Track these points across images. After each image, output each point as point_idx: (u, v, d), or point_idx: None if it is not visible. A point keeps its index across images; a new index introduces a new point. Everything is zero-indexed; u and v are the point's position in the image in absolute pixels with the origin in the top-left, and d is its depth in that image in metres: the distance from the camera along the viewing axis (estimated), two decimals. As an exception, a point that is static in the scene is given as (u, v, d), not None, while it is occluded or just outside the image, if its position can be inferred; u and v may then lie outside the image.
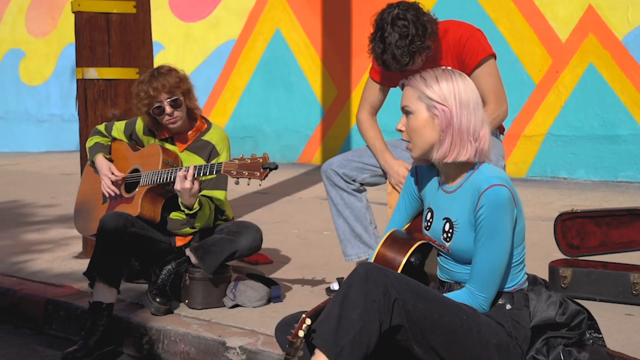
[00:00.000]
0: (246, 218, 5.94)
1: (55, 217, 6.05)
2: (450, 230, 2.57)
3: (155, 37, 10.76)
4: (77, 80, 4.62)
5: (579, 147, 7.52)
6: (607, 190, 6.87)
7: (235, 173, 3.20)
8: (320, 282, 3.97)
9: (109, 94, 4.55)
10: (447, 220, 2.58)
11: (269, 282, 3.75)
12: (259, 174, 3.16)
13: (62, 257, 4.66)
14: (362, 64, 8.62)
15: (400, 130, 2.59)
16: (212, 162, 3.58)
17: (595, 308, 3.40)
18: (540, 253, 4.26)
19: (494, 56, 3.59)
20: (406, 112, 2.56)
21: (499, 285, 2.54)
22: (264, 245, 4.86)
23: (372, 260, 2.70)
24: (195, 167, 3.35)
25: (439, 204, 2.64)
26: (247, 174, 3.18)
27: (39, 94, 12.35)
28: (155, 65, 3.96)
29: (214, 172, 3.29)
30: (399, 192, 3.49)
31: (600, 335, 2.78)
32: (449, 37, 3.51)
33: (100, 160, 3.72)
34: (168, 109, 3.57)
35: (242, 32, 9.94)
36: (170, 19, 10.70)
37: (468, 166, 2.56)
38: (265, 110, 9.71)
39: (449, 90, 2.52)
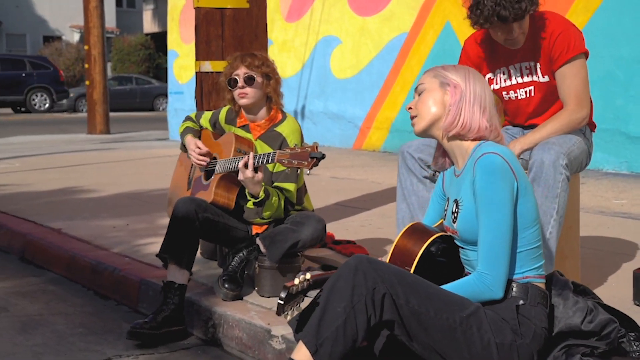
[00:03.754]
0: (376, 210, 5.94)
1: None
2: (456, 210, 2.52)
3: (333, 31, 11.15)
4: (196, 73, 4.86)
5: None
6: None
7: (286, 162, 3.24)
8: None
9: (220, 85, 4.73)
10: (455, 201, 2.54)
11: (343, 274, 3.75)
12: (306, 163, 3.18)
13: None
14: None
15: (410, 109, 2.58)
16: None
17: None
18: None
19: (585, 55, 3.36)
20: (419, 91, 2.58)
21: (507, 264, 2.40)
22: (372, 237, 4.91)
23: (391, 251, 2.64)
24: (254, 155, 3.43)
25: (451, 190, 2.62)
26: (296, 163, 3.21)
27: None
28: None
29: (270, 161, 3.35)
30: None
31: (644, 346, 2.54)
32: (542, 27, 3.33)
33: (189, 138, 3.91)
34: (241, 82, 3.71)
35: (414, 26, 9.90)
36: (347, 14, 10.88)
37: (473, 144, 2.52)
38: (433, 104, 9.59)
39: (464, 76, 2.55)
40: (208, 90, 4.77)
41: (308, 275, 2.29)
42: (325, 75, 11.25)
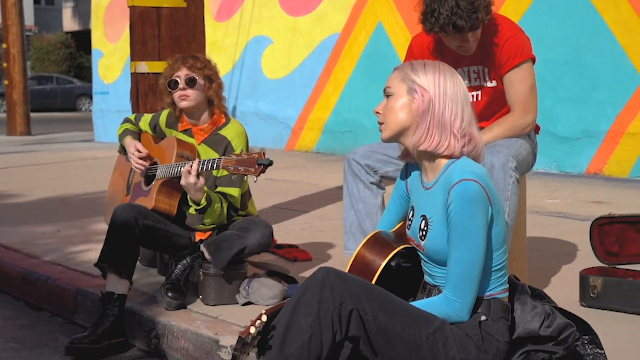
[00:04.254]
0: (315, 212, 5.88)
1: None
2: (425, 228, 2.42)
3: (264, 31, 11.05)
4: (131, 73, 4.71)
5: None
6: None
7: (232, 169, 3.15)
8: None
9: (159, 88, 4.59)
10: (423, 217, 2.44)
11: (290, 281, 3.67)
12: (253, 170, 3.09)
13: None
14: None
15: (377, 113, 2.46)
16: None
17: (624, 321, 3.14)
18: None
19: (532, 60, 3.36)
20: (387, 94, 2.44)
21: (476, 290, 2.34)
22: (314, 241, 4.84)
23: (351, 261, 2.57)
24: (199, 161, 3.32)
25: (419, 201, 2.50)
26: (242, 169, 3.12)
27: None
28: None
29: (215, 167, 3.25)
30: None
31: (602, 351, 2.54)
32: (492, 32, 3.32)
33: (128, 141, 3.77)
34: (182, 84, 3.59)
35: (346, 26, 9.89)
36: (278, 14, 10.80)
37: (445, 160, 2.41)
38: (366, 105, 9.61)
39: (433, 79, 2.40)
40: (144, 92, 4.63)
41: (264, 318, 2.19)
42: (257, 75, 11.14)
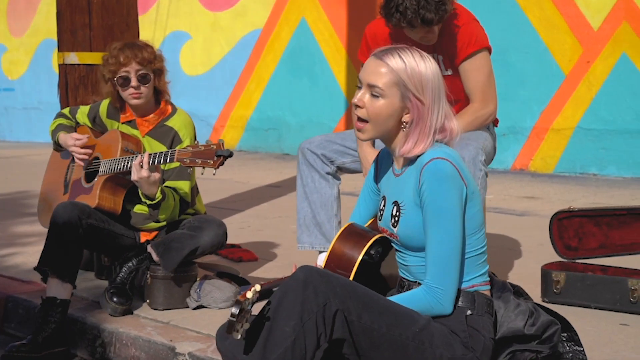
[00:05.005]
0: (250, 211, 5.71)
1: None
2: (397, 214, 2.31)
3: (182, 26, 10.74)
4: (59, 65, 4.43)
5: (610, 141, 7.11)
6: (637, 188, 6.48)
7: (188, 161, 2.97)
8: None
9: (90, 80, 4.36)
10: (395, 203, 2.33)
11: (241, 282, 3.50)
12: (212, 162, 2.93)
13: (43, 251, 4.47)
14: (386, 54, 8.31)
15: (358, 106, 2.29)
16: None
17: (589, 317, 3.10)
18: (547, 255, 3.93)
19: (488, 50, 3.29)
20: (375, 93, 2.27)
21: (457, 275, 2.24)
22: (255, 240, 4.68)
23: (326, 256, 2.43)
24: (150, 154, 3.12)
25: (390, 189, 2.40)
26: (200, 162, 2.95)
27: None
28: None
29: (168, 160, 3.05)
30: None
31: (582, 349, 2.47)
32: (449, 20, 3.23)
33: (62, 135, 3.52)
34: (134, 82, 3.36)
35: (268, 21, 9.72)
36: (197, 8, 10.53)
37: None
38: (289, 102, 9.48)
39: (427, 80, 2.26)
40: (74, 85, 4.37)
41: (258, 287, 2.04)
42: (175, 71, 10.81)
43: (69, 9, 4.36)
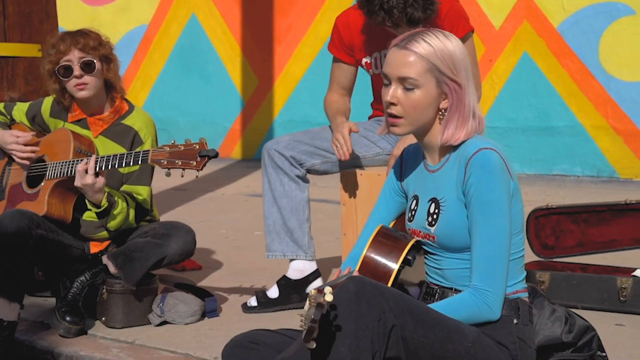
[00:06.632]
0: (165, 218, 5.35)
1: None
2: (436, 211, 2.12)
3: (58, 22, 10.11)
4: (-32, 58, 3.96)
5: (513, 139, 7.22)
6: (543, 184, 6.60)
7: (166, 163, 2.66)
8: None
9: (5, 74, 3.94)
10: (433, 200, 2.14)
11: (202, 294, 3.21)
12: (195, 163, 2.64)
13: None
14: (284, 52, 8.13)
15: (392, 103, 2.10)
16: (137, 150, 3.01)
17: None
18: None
19: (472, 32, 3.18)
20: (409, 85, 2.07)
21: (505, 277, 2.07)
22: (203, 246, 4.36)
23: (357, 267, 2.19)
24: (97, 158, 2.80)
25: (425, 187, 2.19)
26: (180, 163, 2.65)
27: None
28: None
29: (140, 162, 2.73)
30: (336, 149, 3.04)
31: (604, 354, 2.36)
32: None
33: (0, 132, 3.11)
34: (77, 71, 3.00)
35: (155, 17, 9.29)
36: (73, 3, 9.94)
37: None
38: (179, 101, 9.09)
39: (458, 59, 2.09)
40: (-10, 79, 3.91)
41: (329, 297, 1.76)
42: (50, 69, 10.19)
43: (-21, -5, 3.90)
